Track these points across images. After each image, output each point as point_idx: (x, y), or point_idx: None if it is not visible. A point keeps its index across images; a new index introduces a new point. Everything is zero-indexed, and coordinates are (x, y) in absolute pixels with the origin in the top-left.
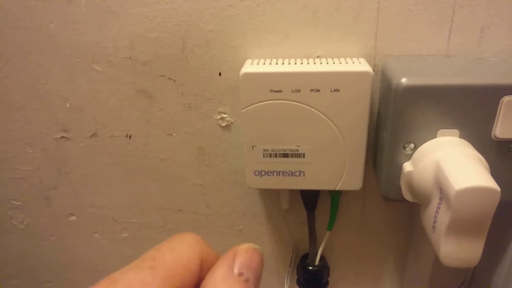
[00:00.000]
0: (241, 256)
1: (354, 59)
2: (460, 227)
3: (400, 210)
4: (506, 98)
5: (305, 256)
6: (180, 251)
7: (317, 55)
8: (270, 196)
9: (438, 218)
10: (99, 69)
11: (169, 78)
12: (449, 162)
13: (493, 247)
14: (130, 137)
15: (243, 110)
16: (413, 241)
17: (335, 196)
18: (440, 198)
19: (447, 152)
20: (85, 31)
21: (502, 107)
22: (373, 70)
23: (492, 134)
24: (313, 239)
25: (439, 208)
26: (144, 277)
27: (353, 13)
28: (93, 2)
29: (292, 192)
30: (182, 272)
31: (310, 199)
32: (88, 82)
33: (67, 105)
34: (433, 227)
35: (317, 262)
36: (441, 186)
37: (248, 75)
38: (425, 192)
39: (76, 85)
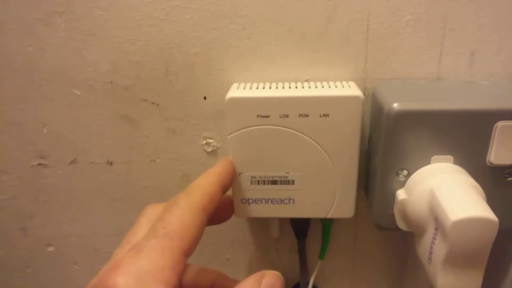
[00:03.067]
0: (268, 277)
1: (344, 83)
2: (458, 259)
3: (394, 237)
4: (500, 123)
5: (296, 285)
6: (181, 214)
7: (306, 79)
8: (259, 224)
9: (434, 249)
10: (79, 93)
11: (152, 103)
12: (444, 191)
13: (491, 276)
14: (111, 163)
15: (229, 136)
16: (408, 269)
17: (327, 224)
18: (436, 229)
19: (442, 180)
20: (64, 55)
21: (496, 133)
22: (364, 94)
23: (487, 160)
24: (304, 268)
25: (435, 239)
26: (163, 242)
27: (342, 36)
28: (72, 25)
29: (282, 219)
30: (191, 230)
31: (300, 227)
32: (67, 107)
33: (45, 131)
34: (429, 258)
35: None
36: (436, 216)
37: (234, 100)
38: (419, 221)
39: (55, 110)
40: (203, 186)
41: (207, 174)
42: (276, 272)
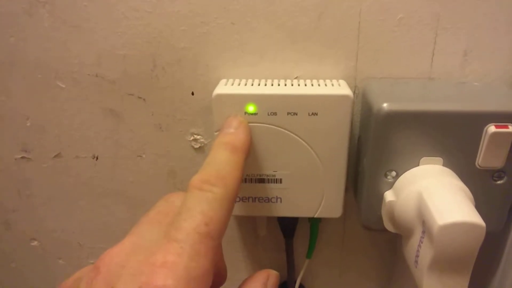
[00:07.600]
0: (273, 279)
1: (334, 81)
2: (444, 263)
3: (383, 237)
4: (489, 126)
5: (283, 284)
6: (221, 209)
7: (296, 76)
8: (246, 222)
9: (420, 253)
10: (63, 86)
11: (139, 97)
12: (433, 194)
13: (478, 280)
14: (97, 158)
15: (216, 133)
16: (396, 270)
17: (314, 223)
18: (423, 232)
19: (431, 183)
20: (48, 46)
21: (485, 136)
22: (354, 92)
23: (476, 162)
24: (292, 267)
25: (422, 242)
26: (207, 243)
27: (333, 33)
28: (56, 16)
29: (269, 218)
30: (226, 227)
31: (288, 226)
32: (51, 100)
33: (28, 124)
34: (416, 261)
35: None
36: (424, 220)
37: (221, 97)
38: (407, 223)
39: (38, 103)
40: (237, 172)
41: (235, 149)
42: (277, 273)
